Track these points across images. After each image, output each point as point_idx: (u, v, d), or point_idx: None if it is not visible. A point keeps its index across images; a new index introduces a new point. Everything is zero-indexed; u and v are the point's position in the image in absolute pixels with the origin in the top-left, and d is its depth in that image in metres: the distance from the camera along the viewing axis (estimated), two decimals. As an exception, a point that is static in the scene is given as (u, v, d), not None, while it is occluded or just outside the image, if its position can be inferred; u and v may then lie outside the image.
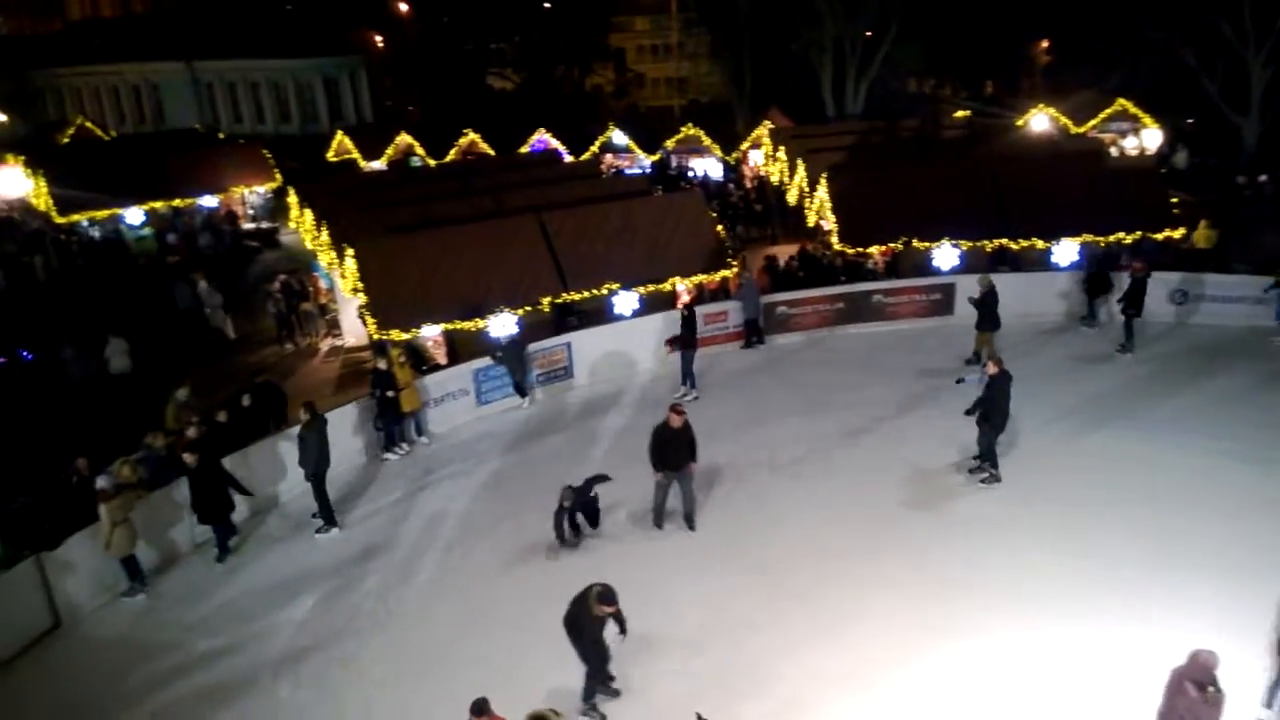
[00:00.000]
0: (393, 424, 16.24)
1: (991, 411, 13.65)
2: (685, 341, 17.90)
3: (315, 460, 13.99)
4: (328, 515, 14.24)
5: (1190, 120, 33.79)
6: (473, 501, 14.80)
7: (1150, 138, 31.52)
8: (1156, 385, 17.08)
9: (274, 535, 14.35)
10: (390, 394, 15.80)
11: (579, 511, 13.32)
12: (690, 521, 13.50)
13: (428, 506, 14.83)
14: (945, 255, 20.90)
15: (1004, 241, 21.09)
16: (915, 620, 11.18)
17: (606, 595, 9.54)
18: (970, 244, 21.01)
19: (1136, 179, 22.31)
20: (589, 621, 9.62)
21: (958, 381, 15.41)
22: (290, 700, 10.90)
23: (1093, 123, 31.11)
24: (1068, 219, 20.74)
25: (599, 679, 10.01)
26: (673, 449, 13.01)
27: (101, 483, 12.50)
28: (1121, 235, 20.75)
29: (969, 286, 19.54)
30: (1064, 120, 31.19)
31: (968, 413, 13.93)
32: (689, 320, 17.94)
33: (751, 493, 14.41)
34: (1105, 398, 16.69)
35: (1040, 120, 31.23)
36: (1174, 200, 21.59)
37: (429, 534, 14.03)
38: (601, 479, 13.46)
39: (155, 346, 21.27)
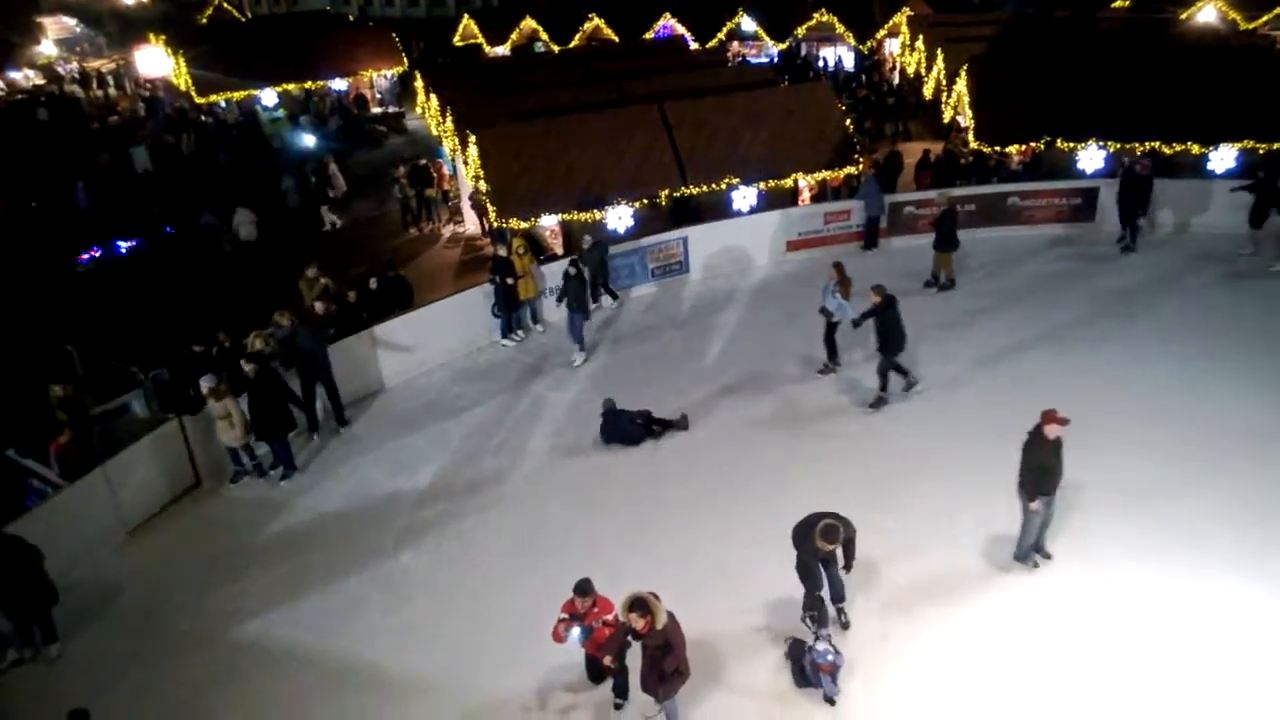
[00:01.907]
0: (509, 311, 16.55)
1: (885, 340, 13.48)
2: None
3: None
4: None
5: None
6: (582, 391, 15.07)
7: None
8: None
9: (395, 415, 14.98)
10: (509, 281, 16.06)
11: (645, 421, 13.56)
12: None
13: (540, 393, 15.19)
14: (1091, 157, 19.61)
15: (1156, 144, 19.58)
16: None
17: (829, 533, 9.07)
18: (1118, 146, 19.61)
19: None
20: (810, 550, 9.31)
21: (821, 310, 14.64)
22: (412, 566, 11.57)
23: (1265, 18, 28.21)
24: (1229, 122, 19.07)
25: (809, 604, 9.57)
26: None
27: (205, 384, 12.74)
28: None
29: (1113, 191, 18.50)
30: (1233, 14, 28.39)
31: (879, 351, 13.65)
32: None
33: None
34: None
35: (1207, 13, 28.52)
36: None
37: (540, 420, 14.41)
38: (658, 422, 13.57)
39: (283, 223, 22.18)
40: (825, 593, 9.57)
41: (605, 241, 17.39)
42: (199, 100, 30.82)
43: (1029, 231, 19.45)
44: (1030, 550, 10.44)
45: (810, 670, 9.09)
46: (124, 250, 21.70)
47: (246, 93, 31.31)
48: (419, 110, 26.72)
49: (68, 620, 10.94)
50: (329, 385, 14.29)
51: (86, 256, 21.29)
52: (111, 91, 40.17)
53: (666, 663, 8.23)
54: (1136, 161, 18.16)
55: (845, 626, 9.85)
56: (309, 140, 30.17)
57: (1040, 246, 18.85)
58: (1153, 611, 9.79)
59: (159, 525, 12.73)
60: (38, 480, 12.42)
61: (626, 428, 13.46)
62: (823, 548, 9.15)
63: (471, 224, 22.11)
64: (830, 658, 8.97)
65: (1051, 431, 9.68)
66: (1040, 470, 9.84)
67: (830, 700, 9.07)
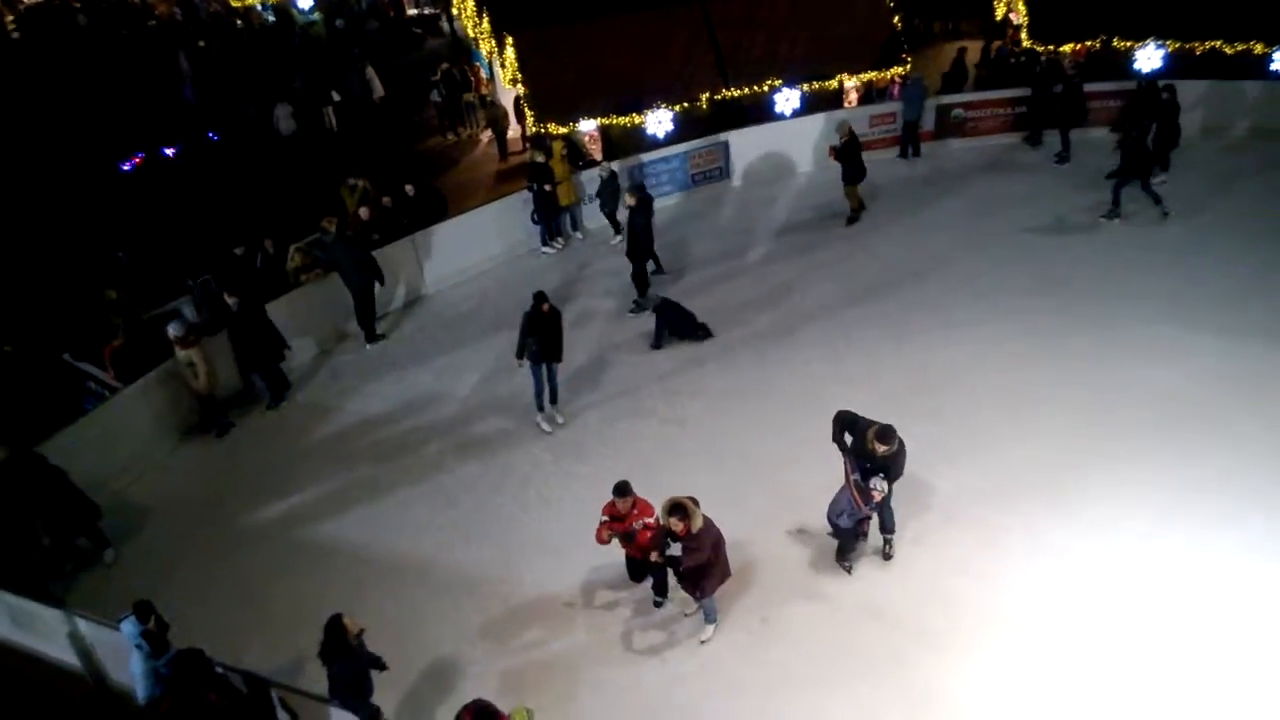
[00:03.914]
0: (549, 218, 16.49)
1: (632, 245, 14.06)
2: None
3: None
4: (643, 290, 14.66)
5: None
6: (624, 300, 15.09)
7: None
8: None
9: (438, 323, 15.16)
10: (548, 188, 15.97)
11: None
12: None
13: (581, 300, 15.25)
14: (1148, 56, 18.80)
15: (1218, 44, 18.60)
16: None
17: (886, 434, 8.76)
18: (1177, 45, 18.73)
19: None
20: (860, 449, 9.01)
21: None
22: (456, 468, 11.90)
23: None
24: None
25: (844, 548, 9.57)
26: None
27: (173, 330, 12.26)
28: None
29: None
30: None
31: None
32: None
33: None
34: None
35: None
36: None
37: (581, 327, 14.48)
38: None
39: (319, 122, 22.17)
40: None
41: (618, 175, 16.59)
42: (234, 3, 30.47)
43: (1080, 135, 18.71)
44: None
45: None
46: (170, 155, 21.84)
47: (282, -6, 30.92)
48: (456, 11, 26.22)
49: (126, 518, 11.48)
50: (362, 296, 14.26)
51: (129, 164, 21.44)
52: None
53: (691, 559, 8.42)
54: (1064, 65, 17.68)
55: (888, 558, 9.70)
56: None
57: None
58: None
59: (229, 411, 13.13)
60: (94, 383, 12.81)
61: (679, 316, 13.59)
62: (877, 449, 8.81)
63: (512, 129, 21.83)
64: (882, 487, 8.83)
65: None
66: None
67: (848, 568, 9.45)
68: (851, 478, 9.08)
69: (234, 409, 13.32)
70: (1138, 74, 18.55)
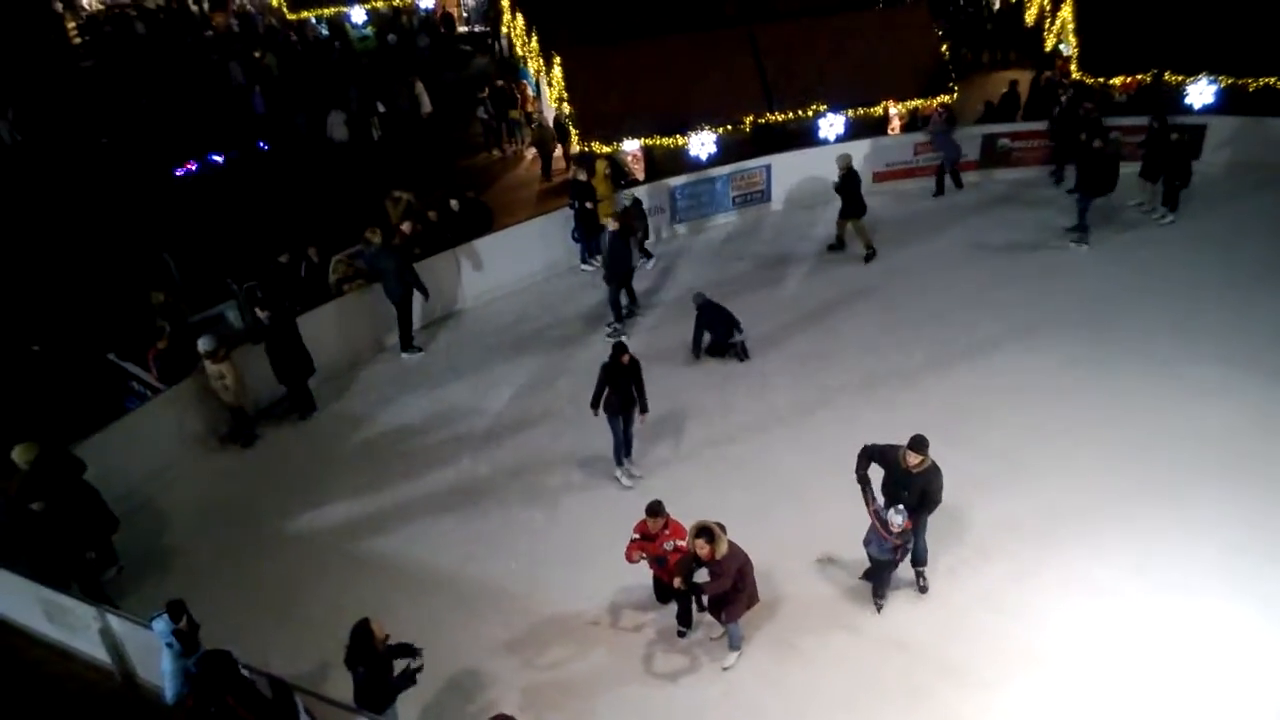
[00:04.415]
0: (589, 236, 16.57)
1: (609, 270, 14.31)
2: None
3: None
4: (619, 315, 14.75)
5: None
6: (661, 316, 15.12)
7: None
8: None
9: (475, 336, 15.24)
10: (589, 205, 16.06)
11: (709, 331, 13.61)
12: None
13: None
14: (1200, 91, 18.56)
15: (1272, 80, 18.28)
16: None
17: (919, 444, 8.77)
18: (1230, 80, 18.47)
19: None
20: (893, 465, 8.99)
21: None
22: (487, 481, 11.93)
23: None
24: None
25: (879, 586, 9.54)
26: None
27: (203, 345, 12.15)
28: None
29: (1220, 128, 17.54)
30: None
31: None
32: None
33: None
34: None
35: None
36: None
37: (617, 344, 14.53)
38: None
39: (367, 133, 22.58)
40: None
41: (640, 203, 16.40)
42: (290, 16, 31.12)
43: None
44: None
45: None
46: (220, 162, 22.31)
47: (337, 9, 31.50)
48: (505, 30, 26.55)
49: (162, 518, 11.63)
50: (401, 307, 14.35)
51: (182, 170, 21.91)
52: (206, 6, 40.69)
53: (713, 586, 8.41)
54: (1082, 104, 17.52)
55: (923, 590, 9.61)
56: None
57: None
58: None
59: (259, 422, 13.23)
60: (137, 383, 13.05)
61: (720, 317, 13.58)
62: (908, 459, 8.74)
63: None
64: (899, 520, 8.73)
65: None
66: None
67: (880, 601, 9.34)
68: (871, 508, 9.00)
69: (269, 417, 13.41)
70: (1188, 108, 18.28)
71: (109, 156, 22.51)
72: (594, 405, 11.09)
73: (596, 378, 11.02)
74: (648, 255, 16.63)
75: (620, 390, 11.02)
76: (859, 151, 18.20)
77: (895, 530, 8.74)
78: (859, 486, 9.11)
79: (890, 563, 9.20)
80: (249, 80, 26.70)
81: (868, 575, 9.53)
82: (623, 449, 11.53)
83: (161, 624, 8.25)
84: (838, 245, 16.58)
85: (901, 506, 8.76)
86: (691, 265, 16.71)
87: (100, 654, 9.53)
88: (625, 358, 10.91)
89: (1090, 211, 15.77)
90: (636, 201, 16.20)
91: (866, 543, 9.13)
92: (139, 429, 11.94)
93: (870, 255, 16.17)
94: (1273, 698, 8.19)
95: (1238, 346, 12.83)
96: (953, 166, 18.30)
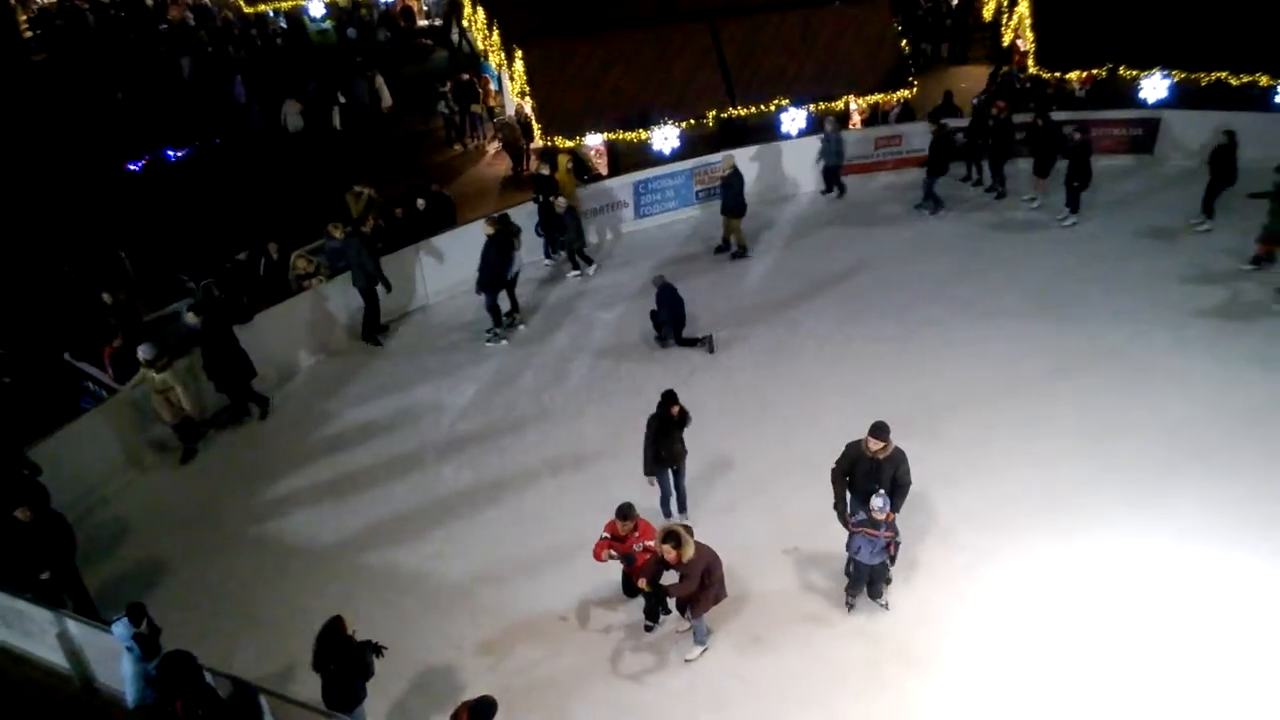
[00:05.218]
0: (553, 230, 16.51)
1: (481, 275, 14.06)
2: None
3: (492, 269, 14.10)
4: (498, 321, 14.55)
5: None
6: (624, 312, 15.11)
7: None
8: None
9: (438, 332, 15.14)
10: (553, 200, 15.99)
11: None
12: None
13: (582, 313, 15.27)
14: (1154, 86, 18.90)
15: (1224, 75, 18.64)
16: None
17: (879, 430, 8.86)
18: (1183, 75, 18.80)
19: None
20: (864, 470, 9.06)
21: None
22: (452, 478, 11.87)
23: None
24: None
25: (853, 584, 9.43)
26: None
27: (143, 353, 11.57)
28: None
29: (1176, 122, 17.87)
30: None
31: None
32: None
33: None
34: None
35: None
36: None
37: (581, 340, 14.53)
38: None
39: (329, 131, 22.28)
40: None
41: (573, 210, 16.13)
42: (247, 10, 30.62)
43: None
44: None
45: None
46: (174, 158, 21.89)
47: (294, 2, 31.04)
48: (465, 24, 26.32)
49: (120, 520, 11.45)
50: (367, 296, 14.23)
51: (136, 165, 21.48)
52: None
53: (681, 589, 8.50)
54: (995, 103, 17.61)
55: (887, 583, 9.45)
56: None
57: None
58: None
59: (208, 431, 13.03)
60: (92, 383, 12.81)
61: (675, 308, 13.63)
62: (870, 446, 8.85)
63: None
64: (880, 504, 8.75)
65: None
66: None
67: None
68: (851, 524, 9.03)
69: (224, 415, 13.17)
70: (1040, 115, 17.45)
71: (63, 152, 21.99)
72: (648, 470, 10.11)
73: (644, 435, 10.02)
74: (587, 260, 16.42)
75: (671, 442, 10.20)
76: (820, 146, 18.33)
77: (881, 517, 8.76)
78: (835, 512, 9.18)
79: (883, 565, 9.20)
80: (196, 73, 26.26)
81: (854, 586, 9.41)
82: (669, 500, 10.56)
83: (121, 628, 8.12)
84: (725, 246, 16.60)
85: (883, 491, 8.84)
86: (654, 260, 16.70)
87: (58, 659, 9.34)
88: (675, 409, 10.06)
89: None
90: (571, 209, 15.93)
91: (855, 551, 9.08)
92: (95, 430, 11.73)
93: (740, 254, 16.37)
94: (1234, 677, 8.39)
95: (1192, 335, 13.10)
96: (834, 168, 18.21)
